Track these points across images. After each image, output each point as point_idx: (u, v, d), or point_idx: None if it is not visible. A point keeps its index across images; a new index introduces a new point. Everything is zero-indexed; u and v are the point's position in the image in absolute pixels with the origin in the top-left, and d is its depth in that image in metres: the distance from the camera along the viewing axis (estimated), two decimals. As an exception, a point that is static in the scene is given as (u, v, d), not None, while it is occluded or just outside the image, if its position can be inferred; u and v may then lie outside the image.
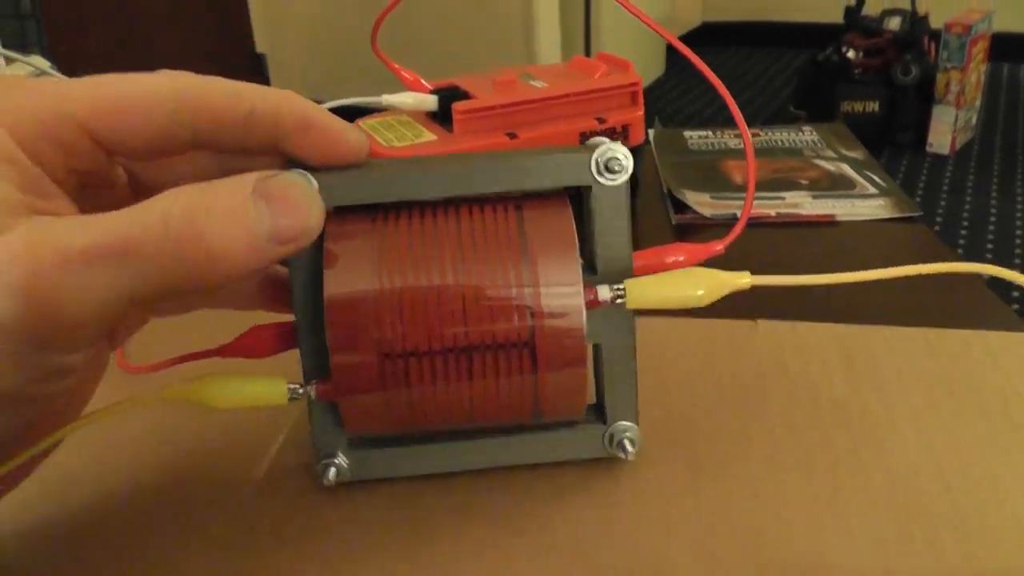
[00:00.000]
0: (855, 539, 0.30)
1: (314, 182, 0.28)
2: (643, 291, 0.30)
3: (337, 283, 0.29)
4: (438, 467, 0.33)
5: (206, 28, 2.98)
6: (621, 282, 0.30)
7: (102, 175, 0.29)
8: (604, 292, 0.30)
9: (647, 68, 3.64)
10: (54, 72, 0.53)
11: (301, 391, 0.30)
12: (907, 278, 0.48)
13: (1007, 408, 0.36)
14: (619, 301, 0.30)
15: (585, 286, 0.29)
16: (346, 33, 3.31)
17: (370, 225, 0.30)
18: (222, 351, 0.33)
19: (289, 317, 0.33)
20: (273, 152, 0.29)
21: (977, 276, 0.51)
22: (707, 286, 0.31)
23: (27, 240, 0.23)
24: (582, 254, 0.30)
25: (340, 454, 0.32)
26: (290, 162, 0.29)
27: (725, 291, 0.31)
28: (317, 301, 0.30)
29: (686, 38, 4.26)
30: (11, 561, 0.32)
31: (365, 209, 0.30)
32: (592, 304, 0.30)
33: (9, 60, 0.53)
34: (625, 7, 0.34)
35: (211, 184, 0.25)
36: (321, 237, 0.29)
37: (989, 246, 2.25)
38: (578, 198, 0.32)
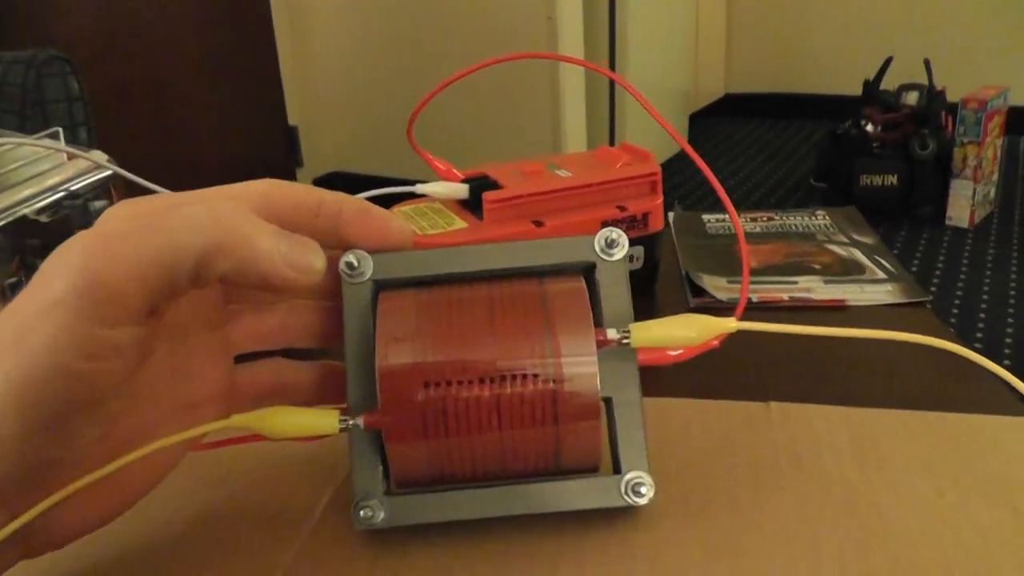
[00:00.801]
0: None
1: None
2: (644, 332, 0.35)
3: (388, 330, 0.34)
4: (468, 513, 0.36)
5: (241, 101, 3.07)
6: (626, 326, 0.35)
7: None
8: (612, 333, 0.35)
9: (669, 142, 3.69)
10: (112, 165, 0.57)
11: (350, 422, 0.34)
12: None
13: (1011, 496, 0.38)
14: (625, 341, 0.35)
15: (596, 330, 0.34)
16: (375, 108, 3.40)
17: (415, 293, 0.36)
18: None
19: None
20: (333, 243, 0.35)
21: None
22: (699, 328, 0.36)
23: (87, 231, 0.29)
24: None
25: (376, 498, 0.35)
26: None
27: (714, 333, 0.36)
28: (365, 350, 0.35)
29: (709, 109, 4.33)
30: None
31: (410, 284, 0.37)
32: (601, 343, 0.35)
33: (71, 156, 0.57)
34: (637, 97, 0.38)
35: None
36: (372, 303, 0.36)
37: (1010, 321, 2.26)
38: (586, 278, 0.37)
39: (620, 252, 0.36)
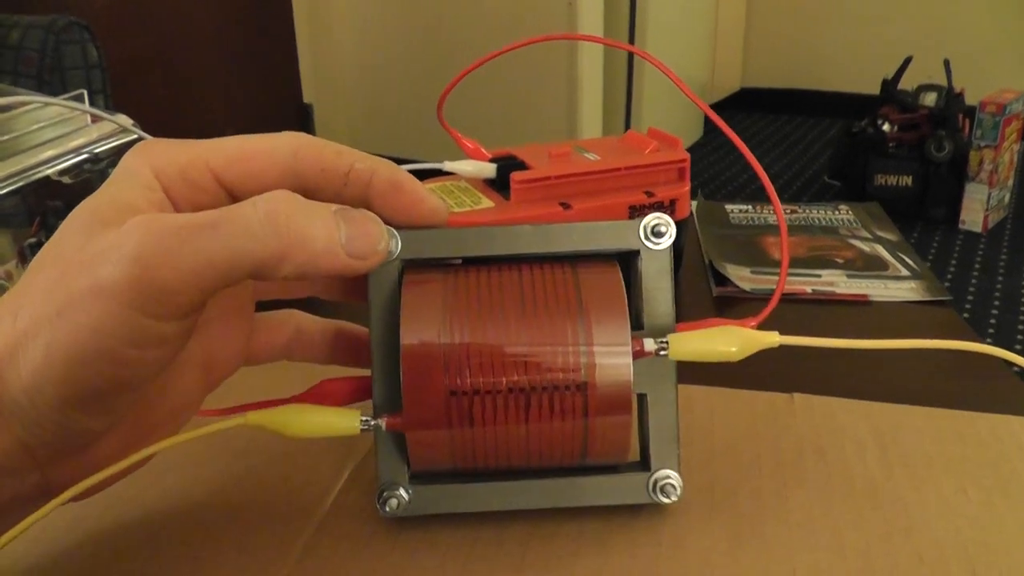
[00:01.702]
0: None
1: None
2: (684, 344, 0.34)
3: (412, 327, 0.33)
4: (493, 505, 0.35)
5: (256, 78, 3.06)
6: (664, 336, 0.34)
7: None
8: (649, 344, 0.34)
9: (686, 131, 3.68)
10: (137, 129, 0.57)
11: (372, 423, 0.33)
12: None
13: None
14: (662, 353, 0.34)
15: (632, 338, 0.33)
16: (391, 88, 3.39)
17: (443, 276, 0.34)
18: (293, 400, 0.36)
19: (356, 371, 0.36)
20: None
21: (1004, 361, 0.53)
22: (740, 343, 0.34)
23: (143, 219, 0.27)
24: (629, 311, 0.34)
25: (402, 488, 0.35)
26: None
27: (756, 348, 0.34)
28: (392, 342, 0.33)
29: (725, 103, 4.31)
30: (60, 566, 0.35)
31: (440, 264, 0.35)
32: (638, 354, 0.33)
33: (95, 118, 0.56)
34: (666, 72, 0.37)
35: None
36: (399, 284, 0.34)
37: (1021, 327, 2.25)
38: (624, 264, 0.35)
39: (667, 241, 0.35)
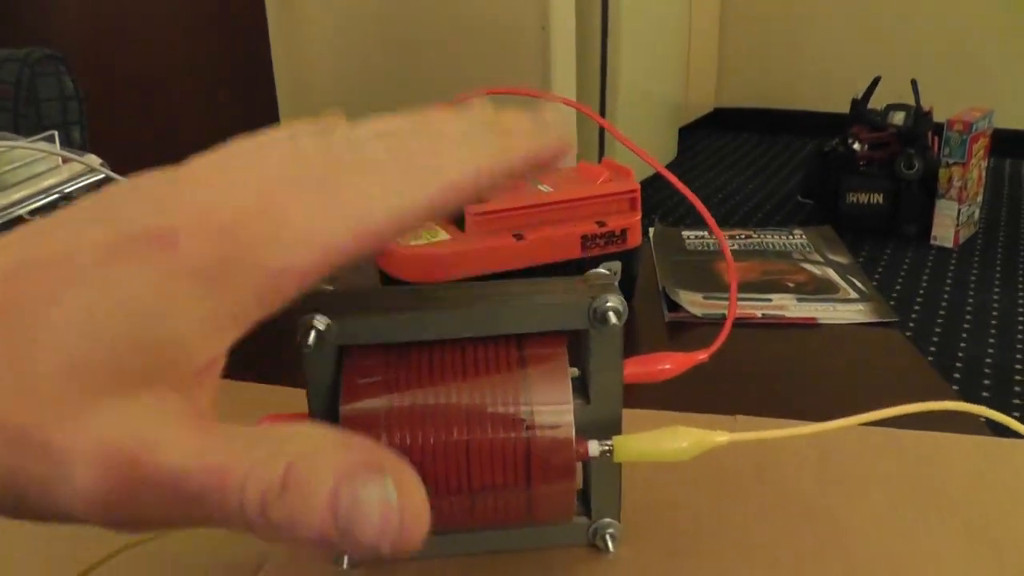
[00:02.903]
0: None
1: None
2: (629, 446, 0.33)
3: (353, 416, 0.32)
4: (437, 553, 0.37)
5: (233, 102, 3.07)
6: (610, 437, 0.33)
7: None
8: (594, 448, 0.33)
9: (660, 151, 3.72)
10: (105, 169, 0.59)
11: None
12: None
13: (964, 512, 0.40)
14: (607, 455, 0.33)
15: (577, 440, 0.32)
16: (367, 112, 3.41)
17: (383, 360, 0.33)
18: None
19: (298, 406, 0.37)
20: None
21: (943, 381, 0.55)
22: (689, 443, 0.33)
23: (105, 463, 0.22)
24: (579, 378, 0.34)
25: None
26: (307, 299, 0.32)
27: (705, 447, 0.33)
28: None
29: (699, 123, 4.35)
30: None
31: (380, 346, 0.33)
32: (582, 457, 0.33)
33: (65, 160, 0.58)
34: (626, 143, 0.39)
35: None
36: (337, 369, 0.33)
37: (991, 340, 2.28)
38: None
39: (616, 323, 0.33)
